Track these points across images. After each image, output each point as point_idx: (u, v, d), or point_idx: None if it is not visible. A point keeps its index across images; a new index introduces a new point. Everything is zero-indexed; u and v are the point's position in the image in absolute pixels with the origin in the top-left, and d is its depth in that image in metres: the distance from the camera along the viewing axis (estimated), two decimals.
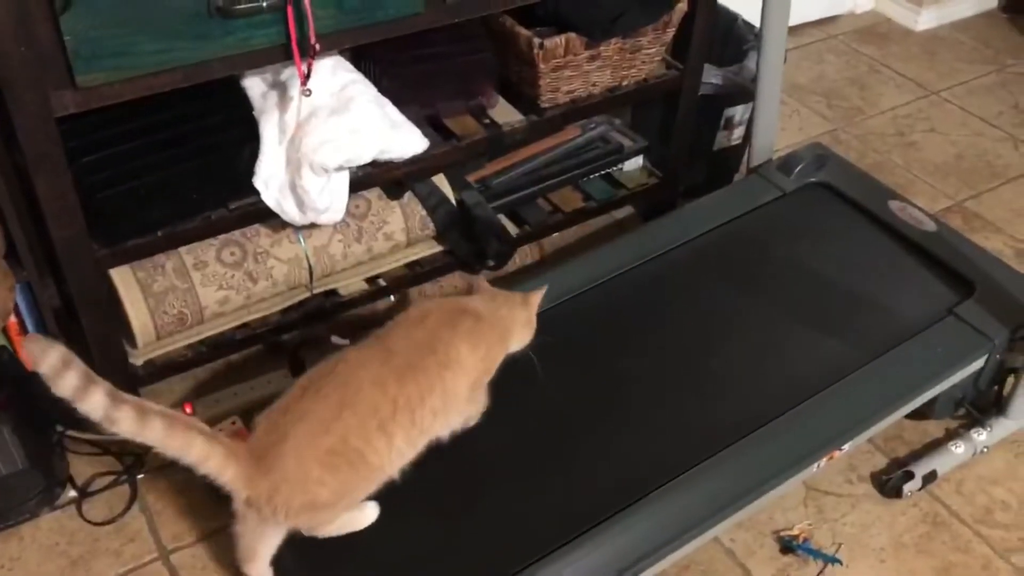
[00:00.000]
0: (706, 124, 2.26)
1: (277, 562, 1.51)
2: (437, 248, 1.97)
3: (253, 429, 1.36)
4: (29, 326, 1.68)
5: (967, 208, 2.43)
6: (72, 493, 1.67)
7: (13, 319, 1.65)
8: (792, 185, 2.09)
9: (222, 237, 1.71)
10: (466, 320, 1.46)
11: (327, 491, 1.34)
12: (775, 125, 2.13)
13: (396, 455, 1.39)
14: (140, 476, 1.70)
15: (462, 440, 1.58)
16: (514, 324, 1.52)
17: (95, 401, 1.18)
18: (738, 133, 2.32)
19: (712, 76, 2.18)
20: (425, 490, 1.54)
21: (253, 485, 1.30)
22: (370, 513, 1.45)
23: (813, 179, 2.10)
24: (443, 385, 1.40)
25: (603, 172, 2.22)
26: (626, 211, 2.33)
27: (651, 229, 2.06)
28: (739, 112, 2.27)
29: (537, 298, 1.55)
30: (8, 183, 1.50)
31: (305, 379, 1.38)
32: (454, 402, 1.43)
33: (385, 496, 1.52)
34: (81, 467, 1.71)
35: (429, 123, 1.84)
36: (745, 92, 2.19)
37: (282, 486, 1.30)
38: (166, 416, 1.24)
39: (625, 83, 1.98)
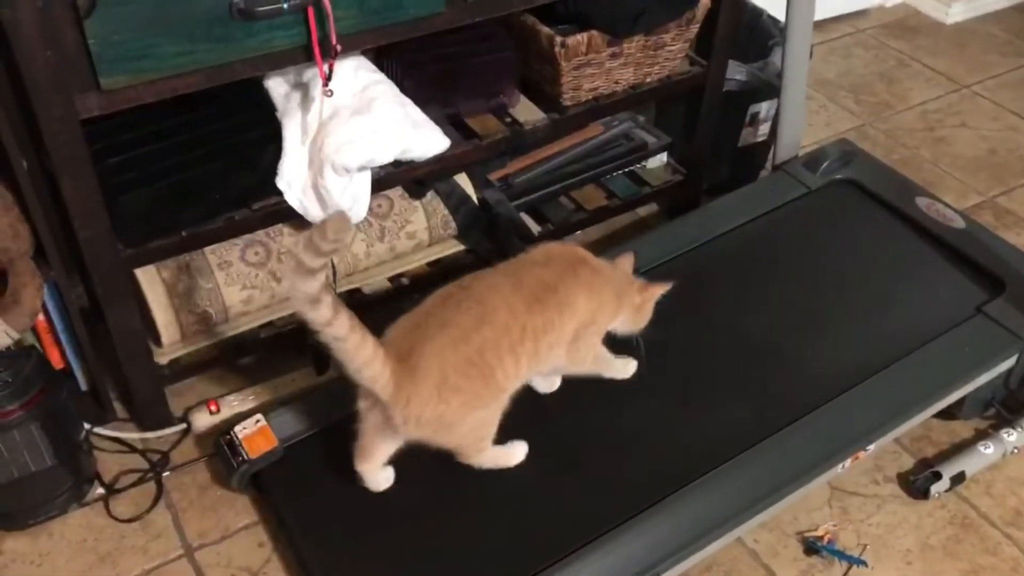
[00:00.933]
0: (731, 121, 2.24)
1: (299, 560, 1.53)
2: (459, 247, 1.97)
3: (386, 335, 1.38)
4: (57, 325, 1.70)
5: (999, 204, 2.39)
6: (99, 490, 1.69)
7: (41, 318, 1.67)
8: (818, 182, 2.07)
9: (246, 237, 1.72)
10: (585, 271, 1.50)
11: (457, 402, 1.37)
12: (801, 121, 2.11)
13: (517, 380, 1.44)
14: (166, 474, 1.72)
15: None
16: (626, 300, 1.55)
17: (313, 285, 1.22)
18: (763, 129, 2.30)
19: (737, 72, 2.16)
20: (449, 488, 1.55)
21: (399, 388, 1.34)
22: (520, 451, 1.55)
23: (839, 176, 2.08)
24: (560, 323, 1.45)
25: (626, 169, 2.21)
26: (650, 208, 2.32)
27: (675, 227, 2.05)
28: (764, 108, 2.25)
29: (655, 292, 1.56)
30: (36, 184, 1.51)
31: (440, 294, 1.43)
32: (564, 343, 1.48)
33: (408, 493, 1.53)
34: (108, 464, 1.73)
35: (451, 122, 1.84)
36: (771, 88, 2.17)
37: (422, 389, 1.34)
38: (353, 317, 1.29)
39: (648, 80, 1.97)
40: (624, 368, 1.65)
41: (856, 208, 2.03)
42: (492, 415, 1.46)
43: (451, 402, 1.37)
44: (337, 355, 1.31)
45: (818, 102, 2.73)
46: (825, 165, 2.08)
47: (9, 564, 1.58)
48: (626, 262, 1.60)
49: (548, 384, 1.65)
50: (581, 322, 1.49)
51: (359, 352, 1.30)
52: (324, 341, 1.29)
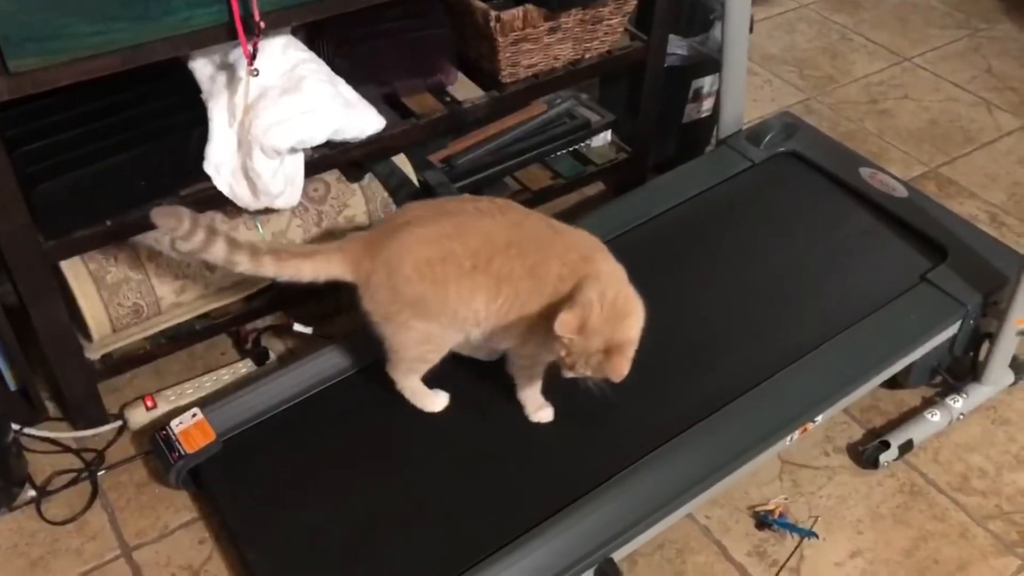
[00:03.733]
0: (674, 96, 2.22)
1: (240, 557, 1.49)
2: None
3: (398, 210, 1.53)
4: None
5: (941, 174, 2.40)
6: (31, 493, 1.62)
7: None
8: (761, 155, 2.06)
9: None
10: (595, 267, 1.40)
11: (408, 295, 1.40)
12: (743, 95, 2.10)
13: (469, 313, 1.42)
14: (101, 473, 1.66)
15: (434, 417, 1.57)
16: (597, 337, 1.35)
17: (218, 250, 1.39)
18: (707, 105, 2.28)
19: (678, 47, 2.14)
20: (394, 479, 1.52)
21: (358, 268, 1.42)
22: (441, 400, 1.58)
23: (783, 148, 2.07)
24: (535, 285, 1.39)
25: (571, 148, 2.18)
26: (596, 187, 2.29)
27: (620, 204, 2.02)
28: (707, 83, 2.23)
29: (620, 361, 1.34)
30: None
31: (440, 202, 1.49)
32: (524, 315, 1.41)
33: (352, 487, 1.49)
34: (40, 465, 1.67)
35: (387, 102, 1.80)
36: (713, 63, 2.15)
37: (380, 269, 1.41)
38: (275, 253, 1.42)
39: (588, 56, 1.94)
40: (538, 409, 1.57)
41: (800, 180, 2.02)
42: (437, 335, 1.46)
43: (402, 293, 1.40)
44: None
45: (763, 77, 2.73)
46: (768, 138, 2.07)
47: None
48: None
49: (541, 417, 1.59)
50: (537, 317, 1.41)
51: (302, 274, 1.42)
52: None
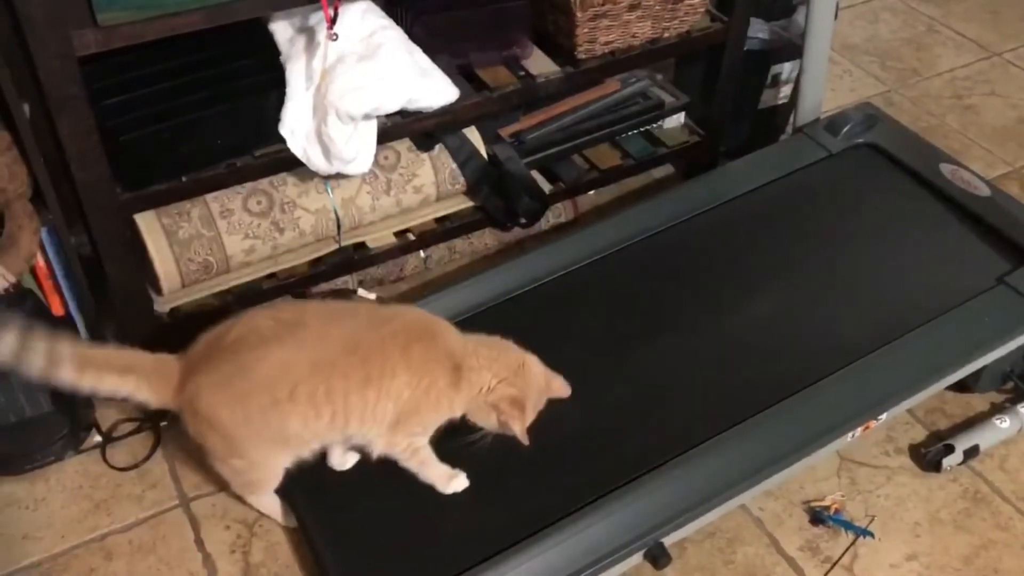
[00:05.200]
0: (752, 81, 2.17)
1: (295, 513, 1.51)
2: (467, 203, 1.93)
3: (214, 330, 1.38)
4: (57, 271, 1.67)
5: None
6: (97, 438, 1.68)
7: (42, 263, 1.65)
8: (839, 146, 2.01)
9: (249, 185, 1.69)
10: (422, 348, 1.36)
11: (213, 439, 1.35)
12: (823, 83, 2.05)
13: (290, 437, 1.35)
14: (163, 424, 1.70)
15: None
16: (475, 394, 1.39)
17: (7, 344, 1.24)
18: (785, 91, 2.23)
19: (759, 30, 2.10)
20: (449, 452, 1.52)
21: (173, 396, 1.34)
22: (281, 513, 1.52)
23: (861, 140, 2.02)
24: (377, 393, 1.33)
25: (643, 129, 2.16)
26: (665, 170, 2.26)
27: (690, 188, 2.00)
28: (786, 69, 2.18)
29: (512, 410, 1.39)
30: (37, 126, 1.48)
31: (237, 330, 1.36)
32: (375, 421, 1.36)
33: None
34: (106, 413, 1.72)
35: (461, 73, 1.79)
36: (793, 48, 2.11)
37: (194, 400, 1.32)
38: (76, 359, 1.28)
39: (667, 35, 1.90)
40: (447, 481, 1.46)
41: (878, 173, 1.97)
42: (269, 462, 1.40)
43: (219, 418, 1.32)
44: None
45: (842, 67, 2.66)
46: (847, 129, 2.02)
47: (4, 508, 1.57)
48: (548, 380, 1.44)
49: (342, 461, 1.50)
50: (400, 409, 1.36)
51: (102, 386, 1.31)
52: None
